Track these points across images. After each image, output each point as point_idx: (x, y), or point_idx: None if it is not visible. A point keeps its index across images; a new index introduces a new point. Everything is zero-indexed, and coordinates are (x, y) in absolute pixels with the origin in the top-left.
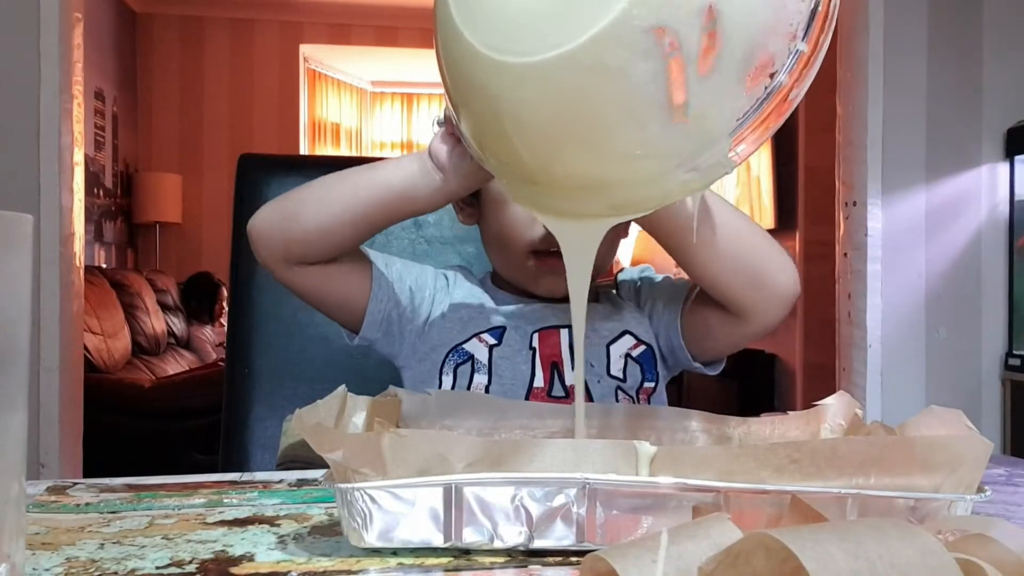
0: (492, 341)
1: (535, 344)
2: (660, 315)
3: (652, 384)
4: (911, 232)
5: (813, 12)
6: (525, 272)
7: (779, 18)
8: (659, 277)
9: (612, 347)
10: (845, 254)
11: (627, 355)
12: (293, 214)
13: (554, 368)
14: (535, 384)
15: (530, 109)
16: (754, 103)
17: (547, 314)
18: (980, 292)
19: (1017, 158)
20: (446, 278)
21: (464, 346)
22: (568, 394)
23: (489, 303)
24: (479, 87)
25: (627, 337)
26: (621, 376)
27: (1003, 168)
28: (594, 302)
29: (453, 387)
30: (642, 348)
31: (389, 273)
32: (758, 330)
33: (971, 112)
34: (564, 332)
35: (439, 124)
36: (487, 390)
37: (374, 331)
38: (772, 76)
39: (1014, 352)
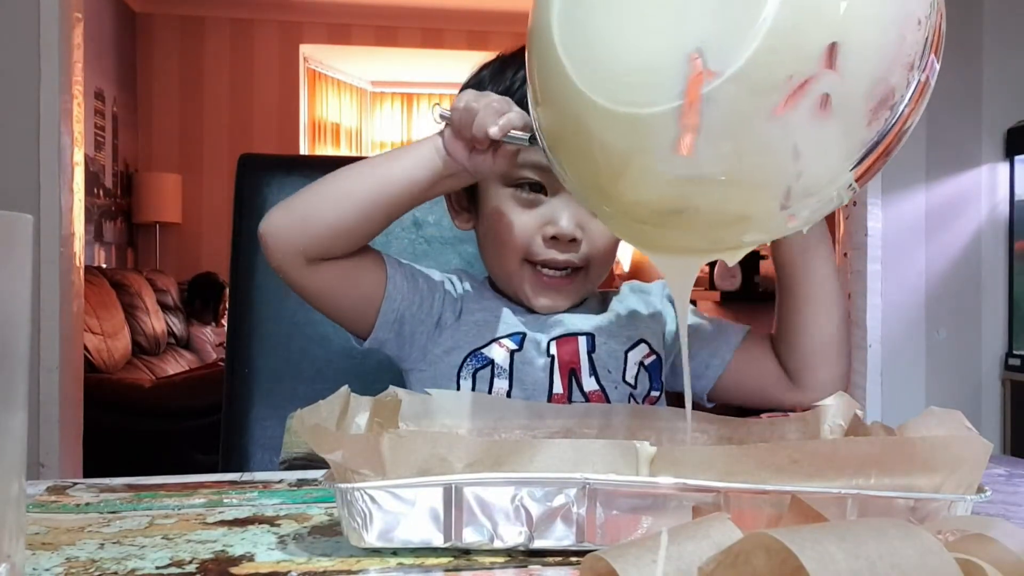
0: (513, 346)
1: (553, 351)
2: (698, 359)
3: (657, 394)
4: (911, 232)
5: (927, 40)
6: (521, 284)
7: (900, 49)
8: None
9: (630, 354)
10: (845, 254)
11: (640, 363)
12: (312, 211)
13: (572, 375)
14: (554, 390)
15: (639, 156)
16: (876, 136)
17: (563, 320)
18: (980, 292)
19: (1017, 158)
20: (452, 282)
21: (483, 351)
22: (587, 400)
23: (504, 308)
24: (580, 125)
25: (642, 345)
26: (633, 383)
27: (1003, 168)
28: (604, 310)
29: (473, 391)
30: (653, 358)
31: (403, 272)
32: (803, 401)
33: (971, 112)
34: (582, 340)
35: (442, 119)
36: (508, 395)
37: (387, 331)
38: (893, 107)
39: (1014, 352)
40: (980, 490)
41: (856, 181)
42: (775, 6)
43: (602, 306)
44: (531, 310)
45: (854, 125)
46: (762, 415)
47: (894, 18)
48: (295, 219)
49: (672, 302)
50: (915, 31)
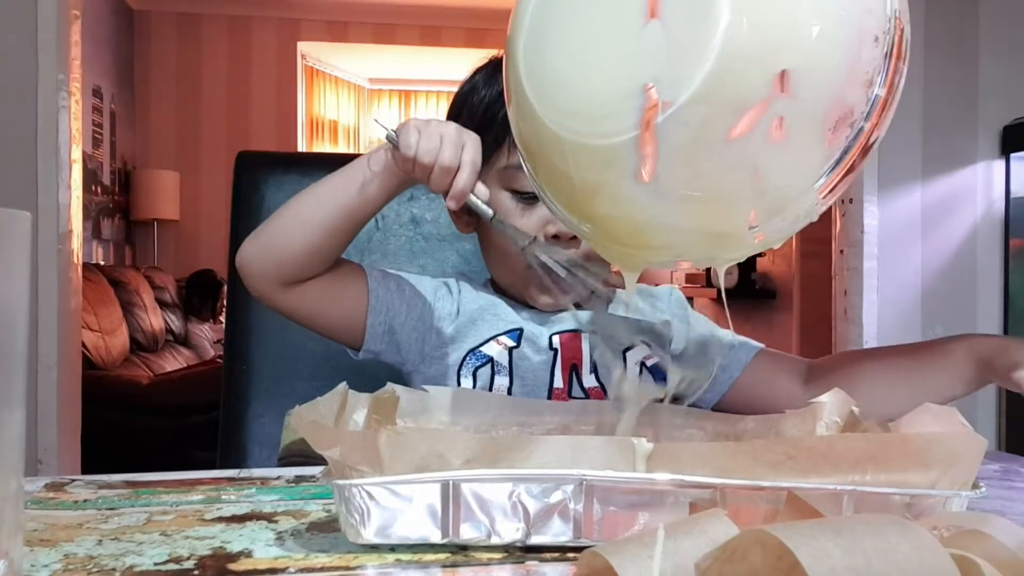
0: (511, 343)
1: (556, 345)
2: (705, 376)
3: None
4: (907, 229)
5: (887, 55)
6: (525, 285)
7: (854, 69)
8: (698, 320)
9: (628, 354)
10: (841, 251)
11: (642, 363)
12: (277, 238)
13: (573, 370)
14: (555, 385)
15: (607, 181)
16: (837, 154)
17: (565, 316)
18: (975, 289)
19: (1013, 155)
20: (447, 286)
21: (481, 349)
22: (587, 396)
23: (502, 306)
24: (550, 153)
25: (641, 346)
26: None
27: (999, 165)
28: (606, 309)
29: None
30: (655, 359)
31: (386, 284)
32: None
33: (967, 109)
34: (584, 336)
35: (389, 141)
36: (509, 391)
37: (377, 343)
38: (852, 125)
39: None
40: (975, 486)
41: (823, 198)
42: (721, 37)
43: (605, 306)
44: (529, 307)
45: (813, 145)
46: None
47: (847, 39)
48: (263, 248)
49: (678, 314)
50: (871, 48)
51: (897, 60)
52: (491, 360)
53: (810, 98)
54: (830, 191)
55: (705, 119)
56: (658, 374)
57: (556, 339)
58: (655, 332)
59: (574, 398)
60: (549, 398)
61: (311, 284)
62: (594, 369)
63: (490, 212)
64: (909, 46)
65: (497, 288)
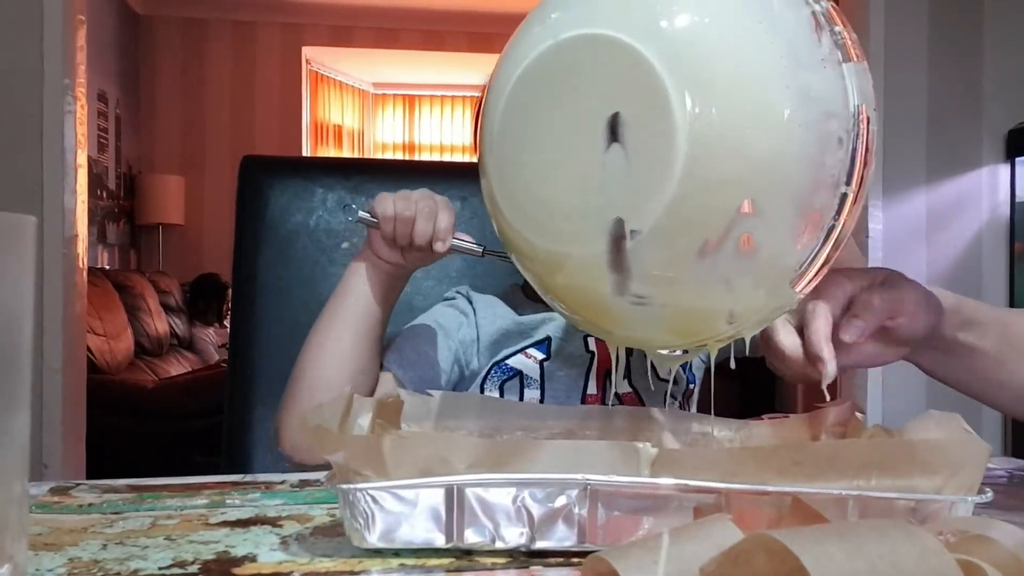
0: (541, 356)
1: (593, 348)
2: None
3: (693, 386)
4: (912, 234)
5: (852, 153)
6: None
7: (819, 175)
8: None
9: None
10: None
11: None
12: (316, 390)
13: (607, 377)
14: (589, 391)
15: (581, 288)
16: (809, 253)
17: None
18: (981, 294)
19: (1018, 160)
20: (463, 313)
21: (508, 362)
22: (620, 400)
23: (526, 317)
24: (526, 256)
25: None
26: (671, 378)
27: (1004, 170)
28: None
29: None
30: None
31: (412, 363)
32: None
33: (972, 114)
34: None
35: (362, 222)
36: (541, 403)
37: None
38: (822, 227)
39: None
40: (981, 491)
41: (799, 291)
42: (680, 169)
43: None
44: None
45: (783, 252)
46: (763, 416)
47: (809, 151)
48: (307, 400)
49: None
50: (835, 152)
51: (865, 154)
52: (519, 373)
53: (776, 214)
54: (806, 285)
55: (673, 243)
56: (685, 366)
57: (592, 340)
58: None
59: (576, 405)
60: (583, 404)
61: None
62: (628, 373)
63: (479, 248)
64: (875, 143)
65: (531, 293)
